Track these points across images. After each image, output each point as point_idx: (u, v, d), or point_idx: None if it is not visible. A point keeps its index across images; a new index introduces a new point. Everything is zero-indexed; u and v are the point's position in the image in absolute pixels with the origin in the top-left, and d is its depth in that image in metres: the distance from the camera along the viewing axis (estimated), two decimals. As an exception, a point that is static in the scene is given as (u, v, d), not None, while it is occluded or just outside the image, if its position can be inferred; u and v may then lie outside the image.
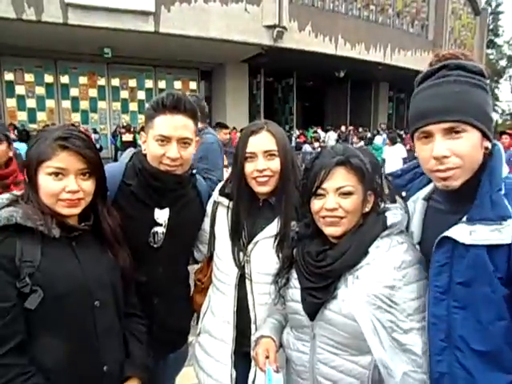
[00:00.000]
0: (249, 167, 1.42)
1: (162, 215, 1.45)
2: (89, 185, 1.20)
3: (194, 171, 1.56)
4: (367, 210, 1.19)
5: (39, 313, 1.08)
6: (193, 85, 16.42)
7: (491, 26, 31.46)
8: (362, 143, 11.67)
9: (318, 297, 1.16)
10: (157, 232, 1.45)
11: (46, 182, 1.14)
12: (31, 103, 14.28)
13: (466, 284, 0.99)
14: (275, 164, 1.41)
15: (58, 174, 1.14)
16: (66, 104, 14.78)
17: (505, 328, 0.96)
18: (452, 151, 1.00)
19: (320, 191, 1.16)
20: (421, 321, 1.08)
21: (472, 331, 0.99)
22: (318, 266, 1.17)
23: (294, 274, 1.26)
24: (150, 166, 1.42)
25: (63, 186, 1.14)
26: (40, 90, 14.33)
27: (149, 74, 15.30)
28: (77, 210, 1.19)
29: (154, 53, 13.52)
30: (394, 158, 9.32)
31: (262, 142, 1.42)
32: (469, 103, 1.00)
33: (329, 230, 1.18)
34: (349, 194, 1.14)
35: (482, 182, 1.02)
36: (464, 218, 1.01)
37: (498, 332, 0.96)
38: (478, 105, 1.01)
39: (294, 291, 1.25)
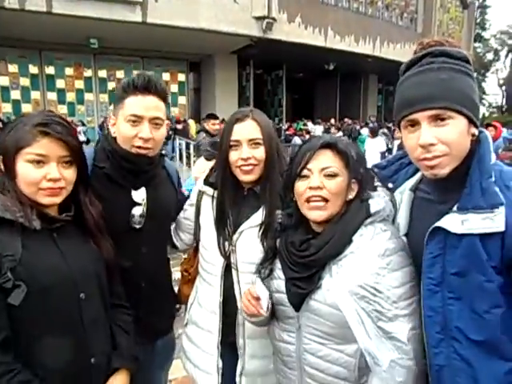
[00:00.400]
0: (233, 155, 1.41)
1: (139, 195, 1.45)
2: (70, 173, 1.16)
3: (163, 152, 1.56)
4: (351, 197, 1.18)
5: (23, 308, 1.04)
6: (181, 76, 16.25)
7: (478, 20, 31.66)
8: (340, 133, 11.73)
9: (302, 287, 1.15)
10: (136, 212, 1.44)
11: (26, 170, 1.09)
12: (16, 95, 13.98)
13: (460, 274, 0.98)
14: (260, 152, 1.40)
15: (39, 161, 1.09)
16: (52, 96, 14.51)
17: (501, 316, 0.95)
18: (438, 139, 0.99)
19: (305, 172, 1.16)
20: (406, 308, 1.08)
21: (468, 321, 0.98)
22: (302, 256, 1.15)
23: (279, 265, 1.25)
24: (121, 148, 1.40)
25: (44, 173, 1.10)
26: (25, 82, 14.03)
27: (136, 65, 15.08)
28: (58, 199, 1.15)
29: (141, 44, 13.32)
30: (373, 150, 9.44)
31: (247, 130, 1.40)
32: (454, 90, 0.99)
33: (312, 215, 1.16)
34: (334, 175, 1.14)
35: (472, 169, 1.00)
36: (455, 208, 1.00)
37: (495, 321, 0.95)
38: (463, 91, 1.00)
39: (279, 282, 1.24)
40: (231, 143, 1.41)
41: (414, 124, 1.03)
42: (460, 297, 0.99)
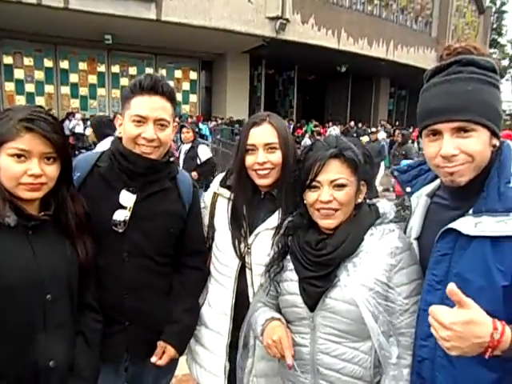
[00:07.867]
0: (249, 159, 1.42)
1: (127, 199, 1.40)
2: (53, 169, 1.14)
3: (172, 159, 1.50)
4: (360, 200, 1.22)
5: None
6: (193, 74, 16.33)
7: (495, 25, 31.24)
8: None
9: (318, 285, 1.17)
10: (120, 215, 1.39)
11: (7, 164, 1.08)
12: (30, 88, 14.18)
13: (463, 275, 0.98)
14: (276, 157, 1.41)
15: (21, 156, 1.08)
16: (65, 90, 14.69)
17: None
18: (460, 149, 0.99)
19: (314, 184, 1.18)
20: (414, 304, 1.12)
21: None
22: (318, 255, 1.18)
23: (290, 266, 1.26)
24: (124, 147, 1.40)
25: (25, 168, 1.08)
26: (39, 75, 14.22)
27: (149, 61, 15.21)
28: (38, 194, 1.13)
29: (155, 41, 13.43)
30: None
31: (263, 134, 1.42)
32: (480, 102, 0.98)
33: (324, 223, 1.20)
34: (343, 186, 1.17)
35: (491, 175, 1.01)
36: (470, 211, 1.01)
37: None
38: (489, 103, 1.00)
39: (290, 284, 1.25)
40: (247, 147, 1.42)
41: (436, 133, 1.04)
42: None
